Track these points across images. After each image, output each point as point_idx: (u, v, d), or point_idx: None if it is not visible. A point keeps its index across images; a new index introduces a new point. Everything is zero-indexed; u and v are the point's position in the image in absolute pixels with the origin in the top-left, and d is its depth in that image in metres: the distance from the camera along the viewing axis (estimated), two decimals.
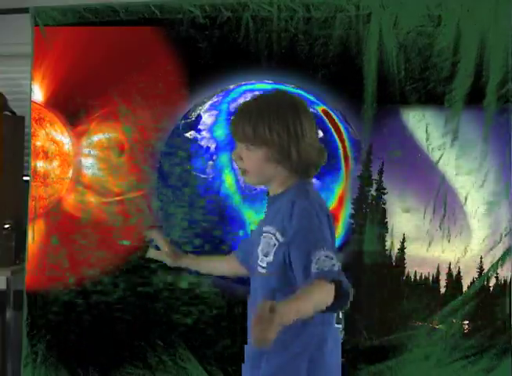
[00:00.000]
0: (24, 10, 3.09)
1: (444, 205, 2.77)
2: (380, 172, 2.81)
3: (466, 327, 2.74)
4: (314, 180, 2.73)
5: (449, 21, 2.73)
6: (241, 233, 2.93)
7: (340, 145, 2.86)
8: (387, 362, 2.78)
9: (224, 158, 2.96)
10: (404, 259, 2.80)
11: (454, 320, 2.74)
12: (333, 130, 2.86)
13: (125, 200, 2.99)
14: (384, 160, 2.80)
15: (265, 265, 1.65)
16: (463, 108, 2.74)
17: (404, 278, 2.79)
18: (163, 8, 2.95)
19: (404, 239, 2.80)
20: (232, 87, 2.94)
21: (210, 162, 2.98)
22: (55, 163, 3.10)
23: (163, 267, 2.42)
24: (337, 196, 2.85)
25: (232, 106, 2.94)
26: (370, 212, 2.83)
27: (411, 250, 2.80)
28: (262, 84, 2.85)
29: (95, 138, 3.05)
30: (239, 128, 1.68)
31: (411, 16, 2.76)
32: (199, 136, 2.99)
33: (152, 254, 2.00)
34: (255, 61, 2.88)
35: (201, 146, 2.99)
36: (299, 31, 2.84)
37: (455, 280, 2.75)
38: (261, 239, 1.67)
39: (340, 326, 1.70)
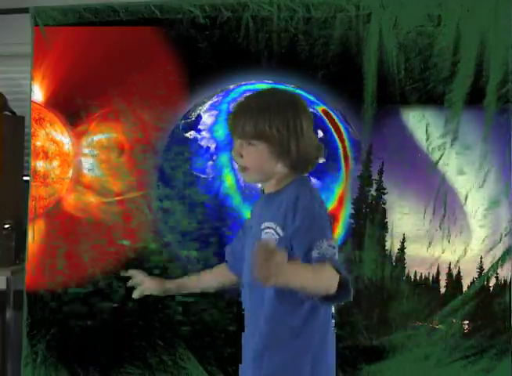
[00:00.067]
0: (24, 10, 3.09)
1: (444, 205, 2.77)
2: (380, 172, 2.81)
3: (466, 327, 2.74)
4: (314, 180, 2.74)
5: (449, 21, 2.73)
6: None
7: (340, 145, 2.86)
8: (388, 362, 2.78)
9: (224, 158, 2.96)
10: (404, 259, 2.80)
11: (454, 320, 2.74)
12: (333, 130, 2.86)
13: (125, 200, 2.99)
14: (384, 160, 2.80)
15: None
16: (463, 108, 2.74)
17: (404, 278, 2.79)
18: (163, 8, 2.95)
19: (404, 239, 2.80)
20: (232, 87, 2.94)
21: (210, 162, 2.98)
22: (55, 163, 3.10)
23: None
24: (337, 196, 2.85)
25: (232, 106, 2.93)
26: (370, 212, 2.83)
27: (411, 250, 2.80)
28: (262, 84, 2.85)
29: (95, 138, 3.05)
30: (239, 125, 1.69)
31: (411, 16, 2.76)
32: (199, 136, 2.99)
33: (137, 293, 1.96)
34: (255, 61, 2.88)
35: (201, 146, 2.99)
36: (299, 31, 2.84)
37: (455, 280, 2.75)
38: (262, 235, 1.66)
39: (332, 321, 1.70)
